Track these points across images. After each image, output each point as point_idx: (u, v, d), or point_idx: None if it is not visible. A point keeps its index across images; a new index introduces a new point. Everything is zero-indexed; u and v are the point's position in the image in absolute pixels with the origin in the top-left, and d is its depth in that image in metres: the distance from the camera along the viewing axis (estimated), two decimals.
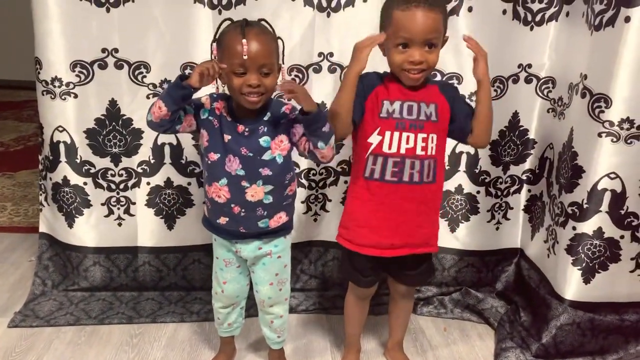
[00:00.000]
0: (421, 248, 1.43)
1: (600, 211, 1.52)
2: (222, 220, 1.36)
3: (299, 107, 1.27)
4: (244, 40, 1.19)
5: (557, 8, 1.65)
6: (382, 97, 1.35)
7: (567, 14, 1.64)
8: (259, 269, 1.43)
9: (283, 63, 1.30)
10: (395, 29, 1.28)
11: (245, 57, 1.19)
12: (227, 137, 1.30)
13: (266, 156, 1.31)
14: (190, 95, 1.23)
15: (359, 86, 1.33)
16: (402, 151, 1.34)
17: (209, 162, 1.32)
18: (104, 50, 1.63)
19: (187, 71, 1.65)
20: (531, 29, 1.67)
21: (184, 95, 1.22)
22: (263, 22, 1.28)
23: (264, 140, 1.30)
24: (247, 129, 1.29)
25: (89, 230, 1.82)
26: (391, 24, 1.29)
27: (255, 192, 1.32)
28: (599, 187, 1.50)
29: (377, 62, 1.68)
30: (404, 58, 1.28)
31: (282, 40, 1.29)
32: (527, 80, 1.74)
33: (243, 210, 1.33)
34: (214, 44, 1.27)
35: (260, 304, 1.49)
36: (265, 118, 1.31)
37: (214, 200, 1.35)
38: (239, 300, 1.51)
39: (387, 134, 1.34)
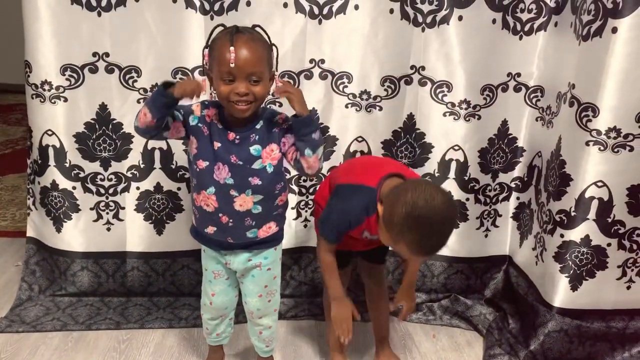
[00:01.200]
0: None
1: (588, 219, 1.54)
2: (210, 229, 1.34)
3: (288, 117, 1.28)
4: (232, 48, 1.16)
5: (545, 18, 1.67)
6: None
7: (556, 24, 1.67)
8: (248, 281, 1.42)
9: (277, 70, 1.29)
10: (409, 250, 1.26)
11: (232, 65, 1.16)
12: (216, 145, 1.27)
13: (256, 165, 1.29)
14: (173, 104, 1.21)
15: (346, 225, 1.35)
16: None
17: (198, 169, 1.29)
18: (94, 54, 1.63)
19: (177, 77, 1.65)
20: (520, 38, 1.70)
21: (167, 103, 1.19)
22: (257, 29, 1.27)
23: (254, 149, 1.28)
24: (237, 137, 1.27)
25: (77, 235, 1.81)
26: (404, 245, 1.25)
27: (244, 202, 1.30)
28: (587, 195, 1.52)
29: (368, 67, 1.70)
30: None
31: (276, 47, 1.28)
32: (516, 89, 1.76)
33: (231, 220, 1.31)
34: (206, 50, 1.27)
35: (249, 315, 1.48)
36: (257, 126, 1.29)
37: (202, 209, 1.32)
38: (228, 312, 1.50)
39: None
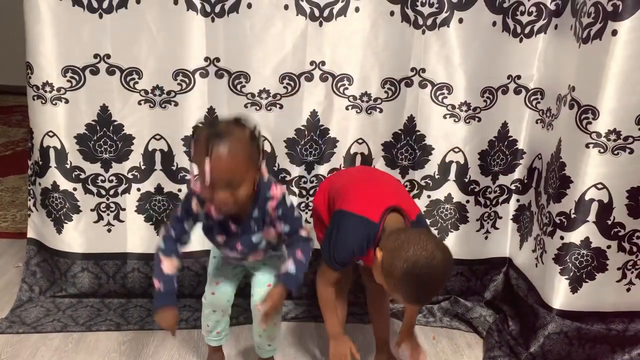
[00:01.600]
0: None
1: (588, 221, 1.54)
2: (220, 238, 1.39)
3: (281, 201, 1.31)
4: (207, 160, 1.14)
5: (545, 21, 1.68)
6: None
7: (556, 27, 1.67)
8: (259, 271, 1.45)
9: (264, 158, 1.26)
10: (404, 299, 1.31)
11: (207, 182, 1.15)
12: (220, 238, 1.35)
13: (259, 246, 1.38)
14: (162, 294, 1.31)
15: (349, 254, 1.38)
16: None
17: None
18: (96, 55, 1.63)
19: (178, 79, 1.66)
20: (520, 40, 1.70)
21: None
22: (240, 121, 1.21)
23: (256, 237, 1.35)
24: (239, 228, 1.33)
25: (77, 236, 1.81)
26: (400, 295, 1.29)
27: (254, 256, 1.42)
28: (587, 197, 1.52)
29: (368, 69, 1.70)
30: None
31: (260, 136, 1.24)
32: (516, 91, 1.76)
33: (245, 262, 1.45)
34: (192, 141, 1.24)
35: (256, 309, 1.44)
36: (254, 215, 1.32)
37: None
38: (228, 306, 1.49)
39: None
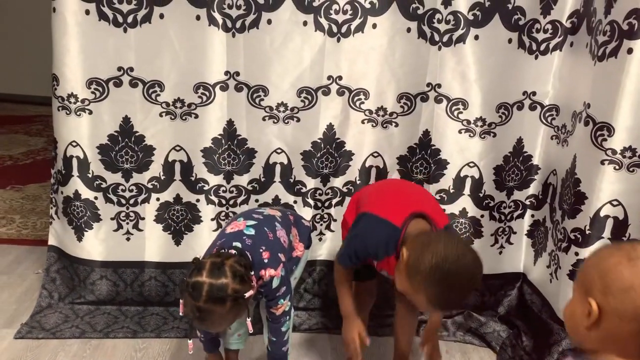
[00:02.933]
0: None
1: (603, 237, 1.54)
2: None
3: (266, 284, 1.34)
4: (190, 342, 1.33)
5: (561, 38, 1.69)
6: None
7: (571, 44, 1.69)
8: None
9: (252, 288, 1.28)
10: (425, 300, 1.22)
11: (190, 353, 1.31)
12: None
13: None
14: None
15: (358, 254, 1.40)
16: None
17: None
18: (119, 68, 1.68)
19: (199, 92, 1.70)
20: (536, 57, 1.72)
21: None
22: (220, 295, 1.22)
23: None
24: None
25: (97, 244, 1.85)
26: (425, 297, 1.22)
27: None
28: (602, 213, 1.52)
29: (384, 84, 1.71)
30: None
31: (244, 300, 1.26)
32: (532, 108, 1.78)
33: None
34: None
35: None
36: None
37: None
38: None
39: None
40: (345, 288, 1.46)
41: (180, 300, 1.28)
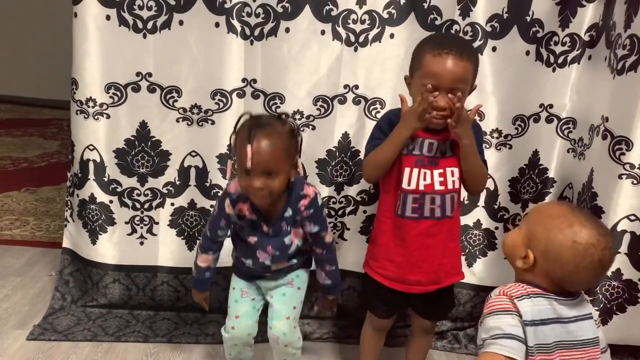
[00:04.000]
0: (445, 281, 1.44)
1: (620, 252, 1.53)
2: (249, 263, 1.45)
3: (313, 199, 1.36)
4: (249, 147, 1.22)
5: (579, 51, 1.69)
6: None
7: (590, 58, 1.68)
8: (278, 301, 1.45)
9: (300, 156, 1.33)
10: (423, 72, 1.30)
11: (249, 165, 1.22)
12: (252, 239, 1.38)
13: (290, 250, 1.42)
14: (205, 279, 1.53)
15: (385, 122, 1.40)
16: (421, 187, 1.36)
17: (236, 244, 1.47)
18: (138, 74, 1.70)
19: (216, 99, 1.71)
20: (553, 70, 1.71)
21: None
22: (282, 117, 1.32)
23: (287, 239, 1.39)
24: (271, 230, 1.37)
25: (111, 248, 1.85)
26: (420, 66, 1.32)
27: (281, 263, 1.44)
28: (619, 228, 1.51)
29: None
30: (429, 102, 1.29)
31: (299, 134, 1.33)
32: (548, 120, 1.77)
33: (268, 273, 1.45)
34: (233, 136, 1.32)
35: (274, 341, 1.44)
36: (286, 214, 1.36)
37: (240, 259, 1.47)
38: (249, 339, 1.49)
39: (406, 170, 1.36)
40: (367, 349, 1.58)
41: (234, 134, 1.30)
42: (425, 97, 1.27)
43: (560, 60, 1.70)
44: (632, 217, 1.50)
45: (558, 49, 1.69)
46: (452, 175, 1.37)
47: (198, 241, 1.48)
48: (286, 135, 1.28)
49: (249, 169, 1.22)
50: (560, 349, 1.06)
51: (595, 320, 1.12)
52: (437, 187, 1.36)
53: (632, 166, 1.46)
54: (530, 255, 1.10)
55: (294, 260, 1.46)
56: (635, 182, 1.47)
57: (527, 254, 1.10)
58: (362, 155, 1.80)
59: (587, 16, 1.65)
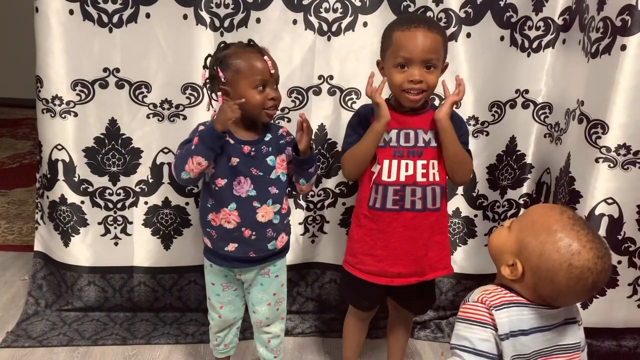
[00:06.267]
0: (430, 274, 1.42)
1: None
2: (231, 247, 1.36)
3: (292, 133, 1.34)
4: (266, 57, 1.28)
5: (553, 35, 1.68)
6: None
7: (564, 42, 1.67)
8: (257, 290, 1.43)
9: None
10: (394, 48, 1.30)
11: (272, 72, 1.28)
12: (234, 160, 1.30)
13: (273, 175, 1.35)
14: (223, 140, 1.28)
15: (355, 119, 1.39)
16: (402, 179, 1.34)
17: (216, 188, 1.32)
18: (105, 69, 1.64)
19: (187, 93, 1.66)
20: (528, 55, 1.70)
21: (221, 143, 1.27)
22: (252, 43, 1.36)
23: (270, 160, 1.34)
24: (253, 149, 1.32)
25: (84, 250, 1.81)
26: (391, 44, 1.31)
27: (266, 212, 1.34)
28: (597, 212, 1.51)
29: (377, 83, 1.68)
30: (403, 77, 1.29)
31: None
32: (524, 106, 1.76)
33: (254, 233, 1.35)
34: (216, 67, 1.29)
35: (257, 325, 1.48)
36: (266, 138, 1.35)
37: (222, 227, 1.34)
38: (236, 321, 1.50)
39: (385, 162, 1.35)
40: (348, 339, 1.56)
41: (216, 66, 1.30)
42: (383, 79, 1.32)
43: (534, 45, 1.69)
44: (610, 201, 1.50)
45: (532, 33, 1.68)
46: (433, 167, 1.35)
47: (176, 154, 1.33)
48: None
49: (264, 82, 1.28)
50: (540, 356, 1.00)
51: (579, 322, 1.06)
52: (419, 178, 1.34)
53: (609, 149, 1.46)
54: (519, 266, 0.98)
55: (274, 243, 1.37)
56: (611, 165, 1.47)
57: (516, 264, 0.99)
58: (339, 147, 1.77)
59: (560, 0, 1.64)
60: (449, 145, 1.33)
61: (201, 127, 1.33)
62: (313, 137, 1.73)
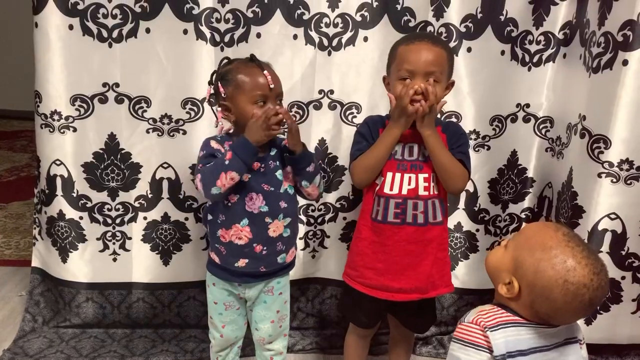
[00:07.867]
0: (431, 292, 1.41)
1: (601, 252, 1.52)
2: (242, 262, 1.34)
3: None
4: (266, 72, 1.28)
5: (554, 49, 1.68)
6: None
7: (564, 56, 1.67)
8: (260, 308, 1.41)
9: None
10: (398, 61, 1.32)
11: (272, 86, 1.27)
12: (246, 177, 1.30)
13: (282, 189, 1.34)
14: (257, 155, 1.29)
15: (365, 128, 1.38)
16: (404, 192, 1.33)
17: (229, 204, 1.31)
18: (104, 84, 1.63)
19: (187, 108, 1.65)
20: (529, 69, 1.70)
21: (256, 158, 1.28)
22: (253, 57, 1.35)
23: (278, 174, 1.34)
24: (262, 165, 1.32)
25: (83, 266, 1.78)
26: (395, 58, 1.33)
27: (277, 227, 1.34)
28: (600, 227, 1.50)
29: (377, 97, 1.69)
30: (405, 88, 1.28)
31: None
32: (525, 120, 1.75)
33: (265, 248, 1.34)
34: (218, 83, 1.29)
35: (260, 342, 1.46)
36: (272, 153, 1.35)
37: (232, 244, 1.33)
38: (237, 340, 1.48)
39: (389, 175, 1.34)
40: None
41: (218, 82, 1.32)
42: (405, 85, 1.28)
43: (535, 59, 1.69)
44: (613, 216, 1.49)
45: (533, 47, 1.68)
46: (433, 180, 1.35)
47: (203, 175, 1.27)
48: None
49: (265, 97, 1.28)
50: None
51: (581, 341, 1.05)
52: (421, 192, 1.33)
53: (611, 164, 1.45)
54: (515, 284, 0.98)
55: (284, 257, 1.38)
56: (614, 180, 1.46)
57: (512, 282, 0.99)
58: (339, 162, 1.77)
59: (560, 14, 1.65)
60: (432, 155, 1.32)
61: (214, 143, 1.33)
62: (314, 150, 1.73)
